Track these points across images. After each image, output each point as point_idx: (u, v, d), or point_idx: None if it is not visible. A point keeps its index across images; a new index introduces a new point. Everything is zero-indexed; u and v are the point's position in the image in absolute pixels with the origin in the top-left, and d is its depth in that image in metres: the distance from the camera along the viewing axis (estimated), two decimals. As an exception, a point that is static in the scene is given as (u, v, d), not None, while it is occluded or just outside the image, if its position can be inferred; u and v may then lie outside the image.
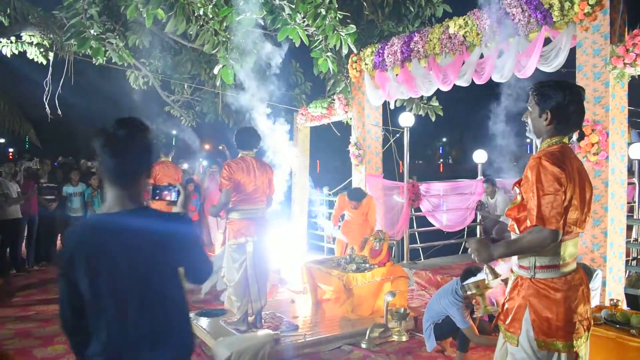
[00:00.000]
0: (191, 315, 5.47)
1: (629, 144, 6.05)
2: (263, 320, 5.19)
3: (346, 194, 7.00)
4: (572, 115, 2.37)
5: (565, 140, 2.41)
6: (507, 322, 2.43)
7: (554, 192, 2.22)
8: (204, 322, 5.26)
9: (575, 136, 2.47)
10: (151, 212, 2.02)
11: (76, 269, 1.89)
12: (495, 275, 2.51)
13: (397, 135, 8.45)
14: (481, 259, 2.41)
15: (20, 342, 5.17)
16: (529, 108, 2.47)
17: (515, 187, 2.45)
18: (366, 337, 5.00)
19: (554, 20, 5.10)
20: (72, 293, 1.93)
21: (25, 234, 8.74)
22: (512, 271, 2.52)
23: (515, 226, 2.44)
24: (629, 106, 5.00)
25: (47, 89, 8.36)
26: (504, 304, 2.51)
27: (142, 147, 1.98)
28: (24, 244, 8.79)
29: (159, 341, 2.00)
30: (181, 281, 2.10)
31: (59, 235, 9.76)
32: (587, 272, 4.41)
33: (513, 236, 2.48)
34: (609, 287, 4.74)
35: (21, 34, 8.60)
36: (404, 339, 5.13)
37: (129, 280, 1.91)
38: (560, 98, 2.34)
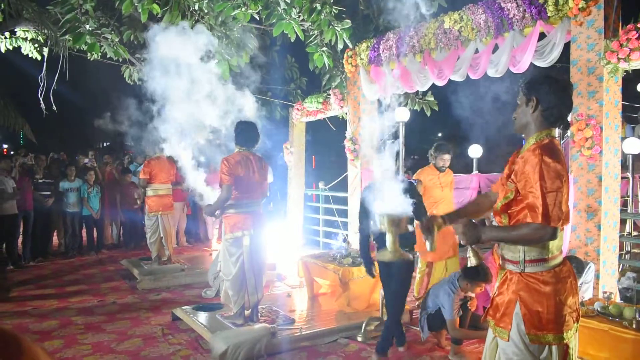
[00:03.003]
0: (188, 309, 5.50)
1: (623, 138, 6.08)
2: (259, 314, 5.22)
3: (434, 149, 6.03)
4: (558, 103, 2.38)
5: (553, 133, 2.42)
6: (498, 317, 2.44)
7: (557, 189, 2.22)
8: (200, 316, 5.28)
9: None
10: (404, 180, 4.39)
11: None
12: (479, 258, 2.54)
13: (393, 130, 8.44)
14: (468, 240, 2.40)
15: (17, 337, 5.18)
16: (518, 102, 2.50)
17: (509, 182, 2.40)
18: (362, 330, 5.03)
19: (548, 15, 5.11)
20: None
21: (21, 230, 8.73)
22: (500, 266, 2.53)
23: (506, 221, 2.44)
24: (622, 101, 5.02)
25: (42, 85, 8.34)
26: (493, 299, 2.52)
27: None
28: (20, 240, 8.78)
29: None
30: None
31: (55, 230, 9.77)
32: (578, 265, 4.46)
33: None
34: (602, 280, 4.78)
35: (15, 30, 8.57)
36: (400, 332, 5.17)
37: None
38: (546, 84, 2.38)
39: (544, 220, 2.21)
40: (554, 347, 2.30)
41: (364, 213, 4.35)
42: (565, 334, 2.30)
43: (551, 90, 2.36)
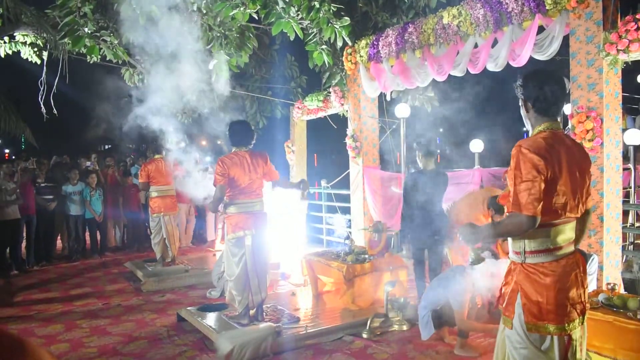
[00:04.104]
0: (193, 310, 5.51)
1: (624, 130, 6.07)
2: (264, 314, 5.23)
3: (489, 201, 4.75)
4: (540, 94, 2.43)
5: (556, 125, 2.45)
6: (504, 306, 2.49)
7: (532, 179, 2.26)
8: (205, 317, 5.29)
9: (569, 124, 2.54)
10: (438, 170, 5.38)
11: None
12: (479, 260, 2.59)
13: (394, 126, 8.46)
14: (470, 242, 2.52)
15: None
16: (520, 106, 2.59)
17: (505, 175, 2.52)
18: (367, 327, 5.04)
19: (547, 8, 5.11)
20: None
21: (25, 235, 8.75)
22: (508, 257, 2.58)
23: (506, 212, 2.51)
24: (623, 92, 5.01)
25: (42, 89, 8.35)
26: (501, 289, 2.57)
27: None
28: (23, 244, 8.80)
29: (430, 225, 5.02)
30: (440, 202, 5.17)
31: (59, 234, 9.79)
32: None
33: None
34: (606, 272, 4.78)
35: (14, 34, 8.57)
36: (405, 328, 5.17)
37: (423, 197, 5.14)
38: (525, 82, 2.48)
39: (515, 207, 2.28)
40: (554, 338, 2.32)
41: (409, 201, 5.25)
42: (566, 325, 2.32)
43: (530, 85, 2.46)
